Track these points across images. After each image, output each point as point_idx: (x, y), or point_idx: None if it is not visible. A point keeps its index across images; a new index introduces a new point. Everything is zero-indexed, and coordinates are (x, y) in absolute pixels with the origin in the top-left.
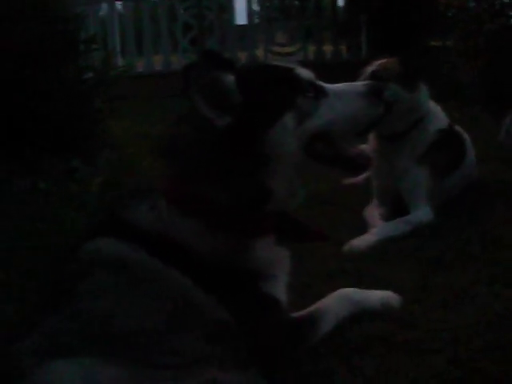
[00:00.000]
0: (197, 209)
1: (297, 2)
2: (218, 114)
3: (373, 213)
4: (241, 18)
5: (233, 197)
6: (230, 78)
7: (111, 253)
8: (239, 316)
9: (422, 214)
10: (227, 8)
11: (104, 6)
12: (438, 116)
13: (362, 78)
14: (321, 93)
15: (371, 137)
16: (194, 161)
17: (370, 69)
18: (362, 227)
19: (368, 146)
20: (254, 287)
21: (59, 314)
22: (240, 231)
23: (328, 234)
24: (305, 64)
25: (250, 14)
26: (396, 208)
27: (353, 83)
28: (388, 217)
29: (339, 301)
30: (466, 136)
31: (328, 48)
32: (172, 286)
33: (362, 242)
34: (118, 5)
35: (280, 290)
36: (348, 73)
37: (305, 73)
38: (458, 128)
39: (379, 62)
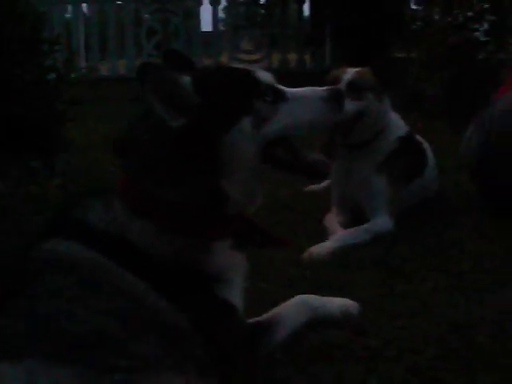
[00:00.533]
0: (150, 210)
1: (263, 11)
2: (172, 114)
3: (332, 220)
4: (206, 25)
5: (186, 198)
6: (187, 79)
7: (65, 254)
8: (194, 320)
9: (381, 222)
10: (193, 14)
11: (69, 8)
12: (397, 124)
13: (339, 86)
14: (280, 97)
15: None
16: (147, 161)
17: (346, 77)
18: (322, 234)
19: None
20: (209, 291)
21: (7, 315)
22: (195, 234)
23: (288, 240)
24: (268, 71)
25: (216, 20)
26: (355, 216)
27: (314, 88)
28: (348, 224)
29: (297, 307)
30: (426, 145)
31: (292, 57)
32: (126, 288)
33: (321, 249)
34: (84, 7)
35: (236, 295)
36: (312, 81)
37: (264, 76)
38: (418, 137)
39: (353, 70)
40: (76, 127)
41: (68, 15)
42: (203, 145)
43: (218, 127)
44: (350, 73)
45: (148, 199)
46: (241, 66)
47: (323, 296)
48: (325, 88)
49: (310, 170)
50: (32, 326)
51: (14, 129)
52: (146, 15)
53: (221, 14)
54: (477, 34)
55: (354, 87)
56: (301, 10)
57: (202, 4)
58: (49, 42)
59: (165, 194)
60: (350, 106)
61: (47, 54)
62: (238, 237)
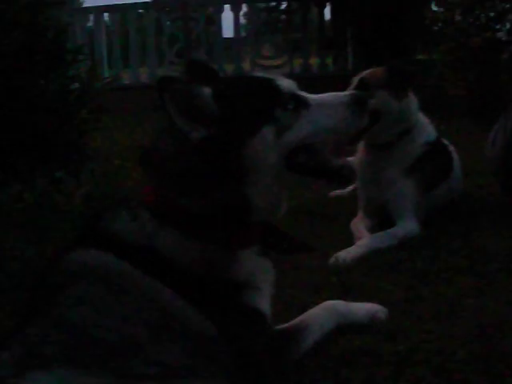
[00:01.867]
0: (175, 219)
1: (283, 16)
2: (193, 126)
3: (359, 225)
4: (228, 31)
5: (211, 208)
6: (207, 91)
7: (93, 263)
8: (222, 328)
9: (408, 226)
10: (214, 21)
11: (91, 18)
12: (426, 128)
13: (351, 86)
14: (302, 104)
15: (359, 147)
16: (172, 172)
17: (357, 77)
18: (348, 239)
19: (355, 157)
20: (237, 299)
21: (39, 325)
22: (221, 242)
23: (314, 246)
24: (290, 76)
25: (237, 27)
26: (382, 220)
27: (336, 93)
28: (374, 229)
29: (325, 313)
30: (452, 149)
31: (314, 61)
32: (154, 296)
33: (348, 254)
34: (105, 16)
35: (264, 301)
36: (334, 85)
37: (285, 83)
38: (444, 141)
39: (366, 71)
40: (100, 136)
41: (90, 24)
42: (226, 155)
43: (240, 137)
44: (363, 73)
45: (173, 209)
46: (262, 74)
47: (350, 301)
48: (347, 93)
49: (335, 176)
50: (62, 335)
51: (38, 139)
52: (168, 23)
53: (242, 20)
54: (499, 34)
55: (365, 85)
56: (322, 14)
57: (223, 11)
58: (72, 53)
59: (189, 203)
60: None
61: (71, 65)
62: (263, 244)
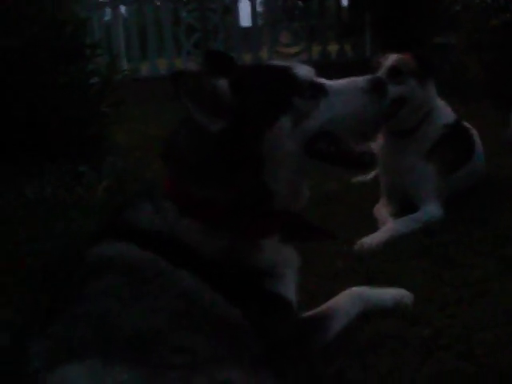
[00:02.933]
0: (197, 209)
1: (300, 3)
2: (210, 118)
3: (382, 211)
4: (245, 20)
5: (233, 198)
6: (223, 82)
7: (118, 255)
8: (248, 316)
9: (430, 210)
10: (231, 10)
11: (108, 11)
12: (444, 111)
13: (380, 71)
14: (320, 91)
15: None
16: (192, 163)
17: (387, 62)
18: (372, 225)
19: (376, 143)
20: (262, 287)
21: (67, 317)
22: (244, 231)
23: (337, 233)
24: (308, 63)
25: (254, 15)
26: (405, 205)
27: (355, 78)
28: (397, 214)
29: (350, 299)
30: (473, 131)
31: (333, 48)
32: (180, 285)
33: (371, 240)
34: (122, 9)
35: (289, 289)
36: (353, 71)
37: (303, 71)
38: (465, 123)
39: (394, 55)
40: (120, 129)
41: (107, 18)
42: (244, 145)
43: (258, 127)
44: (392, 58)
45: (194, 199)
46: (279, 62)
47: (375, 287)
48: (365, 78)
49: (356, 162)
50: (88, 327)
51: (60, 134)
52: (184, 14)
53: (259, 9)
54: None
55: (396, 72)
56: (339, 0)
57: (239, 0)
58: (91, 47)
59: (209, 193)
60: (391, 90)
61: (90, 59)
62: (286, 232)
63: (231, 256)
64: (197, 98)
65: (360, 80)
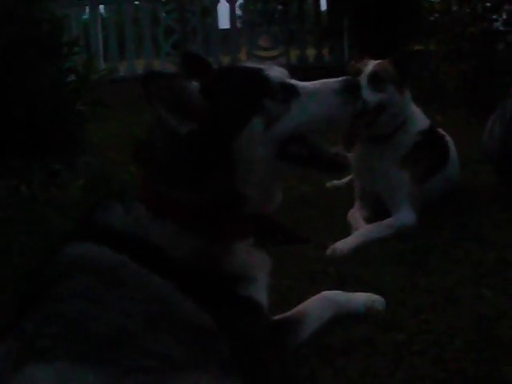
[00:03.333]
0: (169, 211)
1: (280, 6)
2: (180, 121)
3: (356, 215)
4: (224, 22)
5: (204, 199)
6: (194, 85)
7: (88, 256)
8: (219, 319)
9: (404, 216)
10: (210, 12)
11: (87, 10)
12: (418, 118)
13: (361, 77)
14: (292, 93)
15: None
16: (163, 165)
17: (368, 69)
18: (345, 230)
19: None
20: (233, 290)
21: (35, 318)
22: (215, 234)
23: (310, 237)
24: (287, 67)
25: (233, 18)
26: (378, 210)
27: (327, 80)
28: (371, 219)
29: (322, 303)
30: (448, 138)
31: (311, 52)
32: (150, 288)
33: (344, 244)
34: (101, 8)
35: (260, 292)
36: (331, 76)
37: (274, 72)
38: (440, 130)
39: (374, 62)
40: (96, 128)
41: (85, 16)
42: (215, 147)
43: (229, 129)
44: (372, 64)
45: (165, 201)
46: (252, 64)
47: (347, 291)
48: (338, 80)
49: (330, 165)
50: (58, 328)
51: (35, 132)
52: (163, 14)
53: (238, 11)
54: (496, 24)
55: (377, 79)
56: (318, 5)
57: (219, 1)
58: (68, 45)
59: (180, 195)
60: (372, 97)
61: (66, 57)
62: (259, 235)
63: (203, 259)
64: (165, 100)
65: (332, 81)
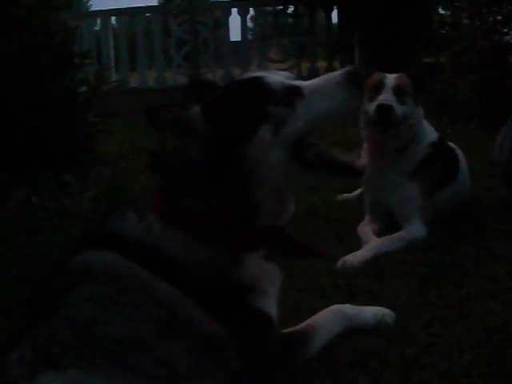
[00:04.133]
0: (181, 221)
1: (290, 19)
2: (186, 143)
3: (366, 229)
4: (235, 35)
5: (218, 211)
6: (195, 110)
7: (100, 264)
8: (229, 330)
9: (414, 229)
10: (222, 24)
11: (99, 21)
12: (428, 130)
13: (385, 91)
14: (295, 95)
15: (364, 151)
16: (179, 176)
17: (390, 82)
18: (356, 243)
19: (361, 160)
20: (243, 301)
21: (47, 325)
22: (228, 245)
23: (321, 251)
24: (298, 79)
25: (245, 30)
26: (389, 223)
27: (330, 74)
28: (381, 232)
29: (332, 317)
30: (458, 151)
31: (322, 64)
32: (161, 296)
33: (355, 257)
34: (112, 20)
35: (271, 305)
36: None
37: (275, 78)
38: (450, 143)
39: (394, 75)
40: (107, 139)
41: (97, 28)
42: (227, 161)
43: (237, 142)
44: (393, 77)
45: (178, 211)
46: (251, 73)
47: (357, 305)
48: (340, 71)
49: (344, 169)
50: (70, 334)
51: (46, 142)
52: (175, 26)
53: (249, 24)
54: (506, 37)
55: (400, 91)
56: (329, 18)
57: (230, 14)
58: (80, 56)
59: (194, 205)
60: (398, 110)
61: (78, 68)
62: (271, 248)
63: (213, 268)
64: (170, 130)
65: (335, 75)
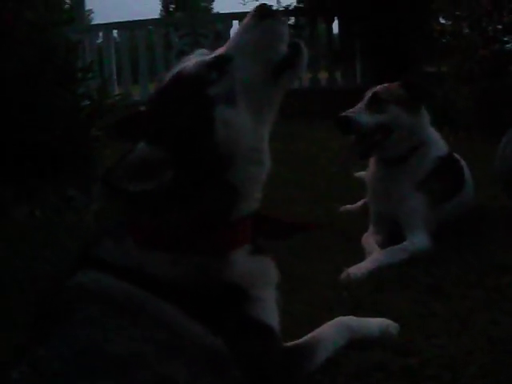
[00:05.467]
0: (154, 241)
1: (291, 31)
2: (147, 184)
3: (370, 239)
4: None
5: (199, 216)
6: (139, 147)
7: (94, 284)
8: (228, 344)
9: (419, 241)
10: (223, 36)
11: (100, 35)
12: (438, 143)
13: (363, 101)
14: (222, 62)
15: (371, 162)
16: (148, 198)
17: (369, 92)
18: (359, 254)
19: (366, 172)
20: (240, 312)
21: (47, 343)
22: (212, 247)
23: (314, 224)
24: (299, 91)
25: None
26: (393, 235)
27: (239, 26)
28: (385, 244)
29: (336, 329)
30: (463, 163)
31: (323, 75)
32: (156, 314)
33: (358, 269)
34: (114, 33)
35: (271, 314)
36: (343, 99)
37: (191, 63)
38: (456, 155)
39: (379, 86)
40: (111, 153)
41: (99, 41)
42: (198, 164)
43: (203, 141)
44: (374, 88)
45: (149, 231)
46: (168, 73)
47: (361, 316)
48: (248, 15)
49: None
50: (71, 352)
51: (49, 156)
52: (176, 39)
53: None
54: (507, 46)
55: (376, 99)
56: (330, 29)
57: (231, 26)
58: (82, 70)
59: (172, 220)
60: (369, 118)
61: (81, 82)
62: (256, 234)
63: (200, 277)
64: (126, 182)
65: (243, 23)
